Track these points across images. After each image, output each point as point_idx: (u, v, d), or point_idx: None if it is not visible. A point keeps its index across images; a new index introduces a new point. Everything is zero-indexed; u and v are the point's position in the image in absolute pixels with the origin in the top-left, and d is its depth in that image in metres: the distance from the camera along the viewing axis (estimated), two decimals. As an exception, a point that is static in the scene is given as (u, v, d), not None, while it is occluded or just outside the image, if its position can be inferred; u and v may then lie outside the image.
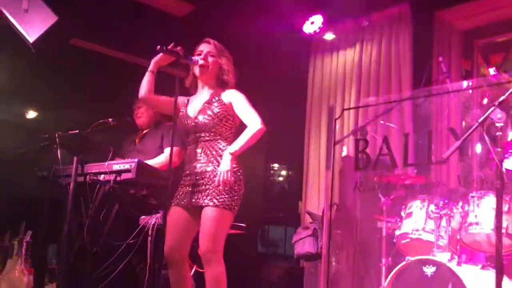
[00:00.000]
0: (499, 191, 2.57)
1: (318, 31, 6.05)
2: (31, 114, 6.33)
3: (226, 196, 3.46)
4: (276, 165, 7.98)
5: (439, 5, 5.88)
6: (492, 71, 6.35)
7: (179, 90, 3.63)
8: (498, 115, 2.45)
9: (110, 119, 4.98)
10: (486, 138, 2.49)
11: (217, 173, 3.45)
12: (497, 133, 2.47)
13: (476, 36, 6.06)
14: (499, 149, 2.46)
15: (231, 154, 3.42)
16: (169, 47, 3.65)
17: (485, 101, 5.51)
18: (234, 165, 3.46)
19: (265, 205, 7.19)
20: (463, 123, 4.93)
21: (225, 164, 3.41)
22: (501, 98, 2.47)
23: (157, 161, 5.04)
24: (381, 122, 4.93)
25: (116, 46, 6.05)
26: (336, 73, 6.61)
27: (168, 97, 3.78)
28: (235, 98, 3.66)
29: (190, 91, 3.91)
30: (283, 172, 8.08)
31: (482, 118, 2.47)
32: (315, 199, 6.48)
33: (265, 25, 6.26)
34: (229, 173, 3.38)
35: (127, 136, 5.52)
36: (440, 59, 4.81)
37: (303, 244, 5.70)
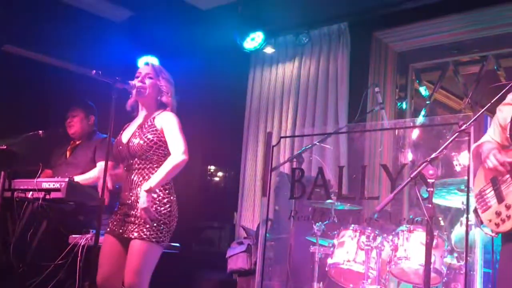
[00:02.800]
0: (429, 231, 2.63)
1: (259, 47, 6.03)
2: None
3: (155, 229, 3.39)
4: (212, 168, 7.94)
5: (376, 26, 6.01)
6: (424, 90, 6.57)
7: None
8: (430, 171, 2.50)
9: (41, 131, 4.84)
10: (419, 194, 2.55)
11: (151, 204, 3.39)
12: (429, 189, 2.53)
13: (411, 59, 6.23)
14: (430, 205, 2.51)
15: (146, 191, 3.33)
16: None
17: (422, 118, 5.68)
18: (161, 197, 3.42)
19: (200, 211, 7.14)
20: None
21: (142, 202, 3.33)
22: (434, 155, 2.52)
23: (89, 175, 4.90)
24: (317, 143, 4.96)
25: (51, 52, 5.85)
26: (275, 86, 6.64)
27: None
28: (166, 123, 3.55)
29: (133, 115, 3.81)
30: (220, 175, 8.05)
31: (414, 174, 2.52)
32: (250, 212, 6.51)
33: (205, 36, 6.24)
34: (146, 210, 3.32)
35: (57, 146, 5.35)
36: (377, 89, 4.90)
37: (237, 260, 5.72)
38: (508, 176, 2.77)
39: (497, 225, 2.78)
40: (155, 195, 3.42)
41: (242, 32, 6.16)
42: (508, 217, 2.72)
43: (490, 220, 2.82)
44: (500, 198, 2.79)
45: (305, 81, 6.37)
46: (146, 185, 3.36)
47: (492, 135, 3.01)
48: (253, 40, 6.18)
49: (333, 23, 6.17)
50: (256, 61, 6.85)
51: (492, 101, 2.72)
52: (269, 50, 6.56)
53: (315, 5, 5.91)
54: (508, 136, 2.89)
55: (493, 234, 2.83)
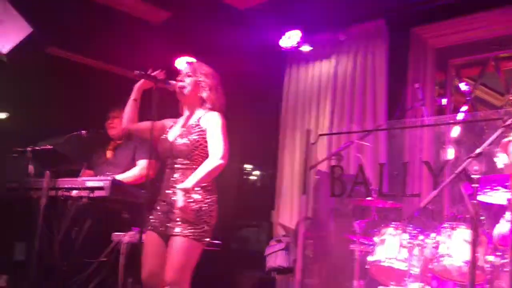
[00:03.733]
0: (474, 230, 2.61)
1: (295, 45, 6.04)
2: (2, 116, 6.19)
3: (197, 227, 3.43)
4: (249, 166, 7.98)
5: (414, 22, 5.95)
6: (464, 86, 6.48)
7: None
8: (474, 167, 2.48)
9: (83, 131, 4.93)
10: (463, 191, 2.53)
11: (190, 203, 3.42)
12: (474, 185, 2.51)
13: (450, 55, 6.14)
14: (475, 202, 2.49)
15: (182, 190, 3.36)
16: (148, 73, 3.63)
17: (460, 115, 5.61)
18: (203, 197, 3.45)
19: (238, 209, 7.19)
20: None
21: (179, 201, 3.36)
22: (478, 150, 2.50)
23: (131, 174, 4.99)
24: (357, 141, 4.94)
25: (93, 54, 5.98)
26: (312, 84, 6.64)
27: (149, 123, 3.65)
28: (210, 125, 3.57)
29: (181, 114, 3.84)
30: (257, 174, 8.09)
31: (458, 170, 2.50)
32: (288, 210, 6.52)
33: (242, 35, 6.27)
34: (182, 210, 3.35)
35: (97, 146, 5.45)
36: (417, 85, 4.86)
37: (276, 258, 5.75)
38: None
39: None
40: (198, 196, 3.46)
41: (279, 31, 6.17)
42: None
43: None
44: None
45: (343, 79, 6.35)
46: (184, 185, 3.39)
47: None
48: (290, 39, 6.19)
49: (371, 19, 6.13)
50: (293, 60, 6.86)
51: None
52: (305, 48, 6.56)
53: (352, 2, 5.88)
54: None
55: None
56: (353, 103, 6.20)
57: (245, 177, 7.95)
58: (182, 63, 6.14)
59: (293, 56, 6.81)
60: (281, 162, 6.78)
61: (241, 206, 7.12)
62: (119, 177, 4.75)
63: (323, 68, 6.58)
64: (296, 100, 6.78)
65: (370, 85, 6.09)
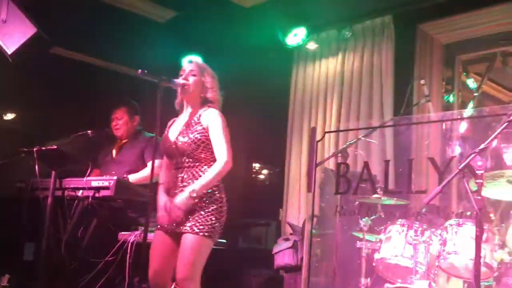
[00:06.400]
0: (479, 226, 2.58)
1: (301, 43, 6.02)
2: (9, 117, 6.22)
3: (207, 224, 3.44)
4: (257, 165, 7.97)
5: (421, 18, 5.92)
6: (471, 82, 6.44)
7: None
8: (478, 162, 2.45)
9: (89, 131, 4.95)
10: (467, 187, 2.50)
11: (200, 200, 3.44)
12: (477, 181, 2.48)
13: (457, 50, 6.10)
14: (479, 197, 2.46)
15: (190, 193, 3.41)
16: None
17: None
18: (210, 194, 3.48)
19: (246, 207, 7.18)
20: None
21: (180, 201, 3.42)
22: (482, 146, 2.47)
23: (142, 175, 4.96)
24: (362, 138, 4.92)
25: (98, 54, 6.00)
26: (318, 82, 6.62)
27: None
28: (212, 123, 3.58)
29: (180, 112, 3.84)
30: (265, 172, 8.07)
31: (462, 166, 2.47)
32: (295, 209, 6.50)
33: (248, 33, 6.26)
34: (179, 211, 3.40)
35: (103, 145, 5.45)
36: (423, 81, 4.83)
37: (283, 256, 5.73)
38: None
39: None
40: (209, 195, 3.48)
41: (285, 28, 6.15)
42: None
43: None
44: None
45: (349, 76, 6.33)
46: (191, 188, 3.42)
47: None
48: (296, 36, 6.17)
49: (377, 16, 6.11)
50: (299, 57, 6.84)
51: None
52: (312, 45, 6.54)
53: (358, -1, 5.87)
54: None
55: None
56: (359, 100, 6.18)
57: (253, 175, 7.93)
58: (186, 61, 6.13)
59: (300, 54, 6.79)
60: (289, 160, 6.76)
61: (249, 204, 7.11)
62: (132, 177, 4.77)
63: (330, 65, 6.55)
64: (303, 98, 6.76)
65: (377, 82, 6.07)
